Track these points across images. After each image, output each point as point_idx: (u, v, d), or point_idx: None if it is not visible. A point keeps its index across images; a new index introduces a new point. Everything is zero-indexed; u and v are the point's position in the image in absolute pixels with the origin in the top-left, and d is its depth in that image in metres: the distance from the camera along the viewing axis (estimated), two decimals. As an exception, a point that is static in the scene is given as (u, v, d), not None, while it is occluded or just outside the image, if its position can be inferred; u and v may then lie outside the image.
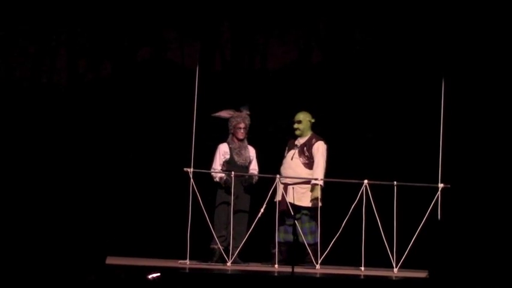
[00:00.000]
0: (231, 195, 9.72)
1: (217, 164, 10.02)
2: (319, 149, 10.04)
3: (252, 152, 10.15)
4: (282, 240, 9.95)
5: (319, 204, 9.85)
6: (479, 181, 10.63)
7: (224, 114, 10.14)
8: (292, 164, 10.07)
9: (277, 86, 11.57)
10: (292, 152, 10.14)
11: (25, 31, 12.38)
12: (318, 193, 9.87)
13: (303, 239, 9.84)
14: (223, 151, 10.06)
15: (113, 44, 12.75)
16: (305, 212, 10.01)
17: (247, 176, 9.97)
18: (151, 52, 13.08)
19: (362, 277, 8.79)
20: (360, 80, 11.53)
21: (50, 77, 12.63)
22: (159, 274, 7.33)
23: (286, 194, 9.88)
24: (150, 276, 7.29)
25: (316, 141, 10.08)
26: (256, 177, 10.03)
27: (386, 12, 11.10)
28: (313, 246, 9.89)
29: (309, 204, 9.97)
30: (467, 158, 10.87)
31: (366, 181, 9.71)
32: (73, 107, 11.03)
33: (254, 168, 10.11)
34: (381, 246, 9.55)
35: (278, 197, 9.93)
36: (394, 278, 8.82)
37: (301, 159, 10.05)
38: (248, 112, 10.14)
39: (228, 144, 10.08)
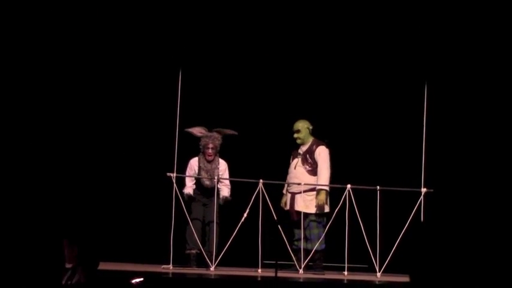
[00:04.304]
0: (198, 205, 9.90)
1: (189, 181, 10.02)
2: (321, 154, 9.94)
3: (222, 169, 10.02)
4: (303, 247, 9.88)
5: (327, 209, 9.88)
6: (462, 185, 10.65)
7: (195, 132, 9.96)
8: (297, 173, 9.97)
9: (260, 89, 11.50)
10: (295, 160, 10.03)
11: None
12: (323, 198, 9.84)
13: (311, 245, 9.81)
14: (192, 167, 10.01)
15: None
16: (313, 218, 9.92)
17: (223, 196, 9.94)
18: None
19: (345, 281, 8.80)
20: (343, 83, 11.51)
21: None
22: (142, 279, 7.30)
23: (295, 203, 9.90)
24: (133, 281, 7.25)
25: (317, 146, 9.99)
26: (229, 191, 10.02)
27: (367, 17, 11.09)
28: (321, 252, 9.87)
29: (315, 211, 9.91)
30: (450, 162, 10.89)
31: (349, 185, 9.71)
32: (55, 107, 10.88)
33: (226, 183, 10.01)
34: (364, 250, 9.56)
35: (286, 207, 9.97)
36: (377, 283, 8.83)
37: (305, 166, 9.96)
38: (221, 135, 10.00)
39: (199, 162, 10.02)
